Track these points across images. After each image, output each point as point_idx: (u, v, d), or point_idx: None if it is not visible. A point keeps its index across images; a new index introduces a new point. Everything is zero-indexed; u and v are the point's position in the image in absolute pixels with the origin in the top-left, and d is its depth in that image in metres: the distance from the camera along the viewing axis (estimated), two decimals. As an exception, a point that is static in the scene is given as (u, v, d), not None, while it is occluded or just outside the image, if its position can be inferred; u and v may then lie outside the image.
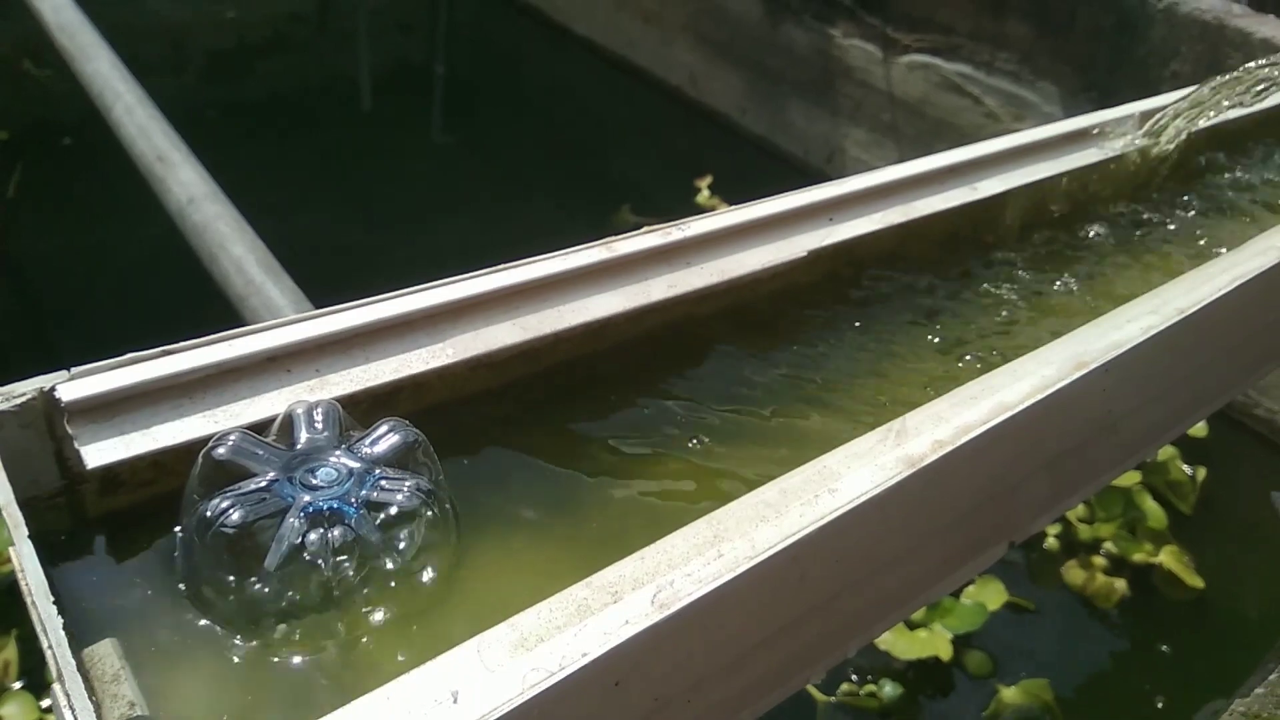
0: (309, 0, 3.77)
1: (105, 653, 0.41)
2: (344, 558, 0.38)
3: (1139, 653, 1.37)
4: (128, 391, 0.46)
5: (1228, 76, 0.94)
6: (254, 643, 0.39)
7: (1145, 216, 0.88)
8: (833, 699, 1.22)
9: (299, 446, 0.42)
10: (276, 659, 0.39)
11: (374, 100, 3.25)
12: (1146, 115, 0.94)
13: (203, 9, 3.34)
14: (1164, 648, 1.37)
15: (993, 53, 2.43)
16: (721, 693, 0.44)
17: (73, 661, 0.34)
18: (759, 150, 2.92)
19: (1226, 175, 0.98)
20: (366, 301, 0.53)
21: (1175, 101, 0.93)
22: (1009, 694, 1.23)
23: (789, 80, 2.86)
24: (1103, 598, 1.41)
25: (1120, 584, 1.43)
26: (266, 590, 0.38)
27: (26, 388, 0.45)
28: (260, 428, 0.46)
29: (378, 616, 0.40)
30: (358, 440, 0.44)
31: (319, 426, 0.43)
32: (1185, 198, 0.92)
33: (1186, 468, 1.60)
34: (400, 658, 0.39)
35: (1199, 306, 0.63)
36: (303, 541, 0.38)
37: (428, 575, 0.42)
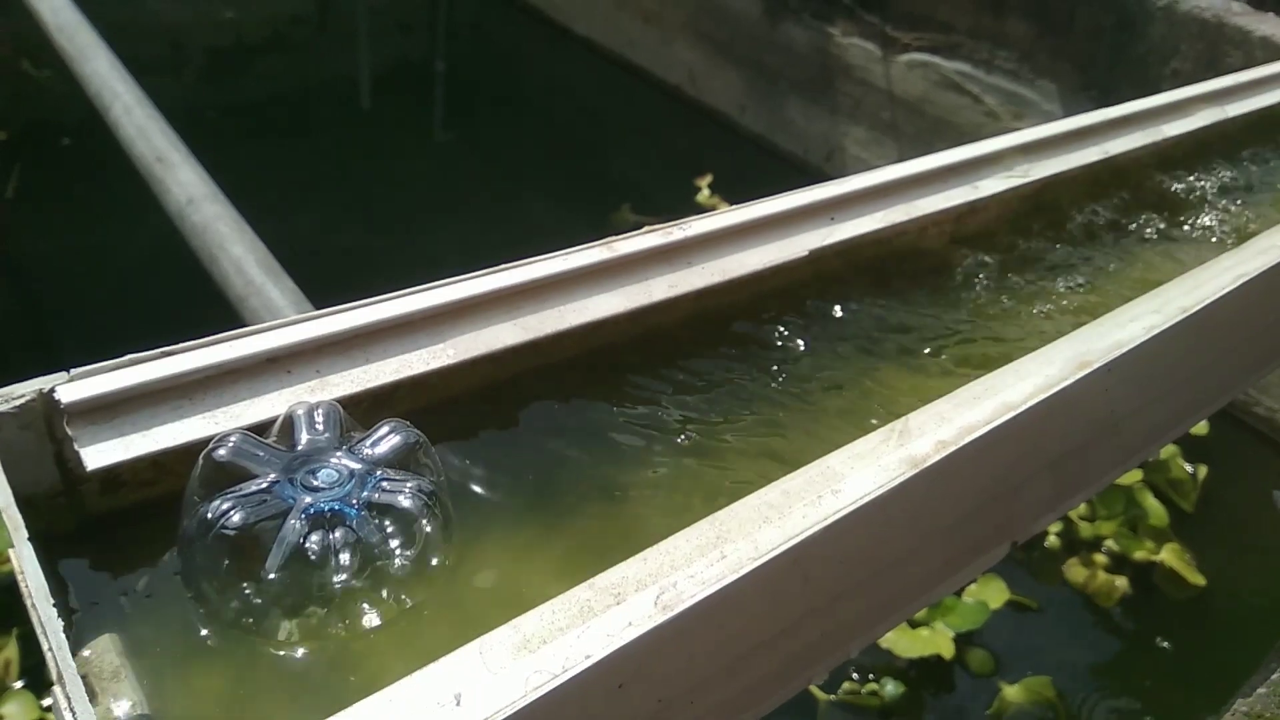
0: (308, 0, 3.77)
1: (105, 651, 0.40)
2: (345, 559, 0.38)
3: (1140, 650, 1.37)
4: (127, 393, 0.45)
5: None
6: (255, 643, 0.39)
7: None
8: (834, 697, 1.22)
9: (300, 448, 0.42)
10: (277, 660, 0.39)
11: (373, 100, 3.25)
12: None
13: (201, 9, 3.34)
14: (1165, 645, 1.37)
15: (992, 51, 2.43)
16: (724, 694, 0.44)
17: (73, 665, 0.34)
18: (758, 149, 2.92)
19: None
20: (367, 302, 0.53)
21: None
22: (1012, 692, 1.23)
23: (788, 79, 2.86)
24: (1104, 596, 1.42)
25: (1121, 582, 1.43)
26: (268, 591, 0.38)
27: (26, 389, 0.45)
28: (260, 429, 0.46)
29: (379, 618, 0.40)
30: (359, 441, 0.43)
31: (320, 428, 0.43)
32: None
33: (1188, 466, 1.60)
34: (402, 659, 0.39)
35: (1201, 306, 0.63)
36: (304, 543, 0.38)
37: (429, 576, 0.41)
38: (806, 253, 0.67)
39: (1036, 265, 0.78)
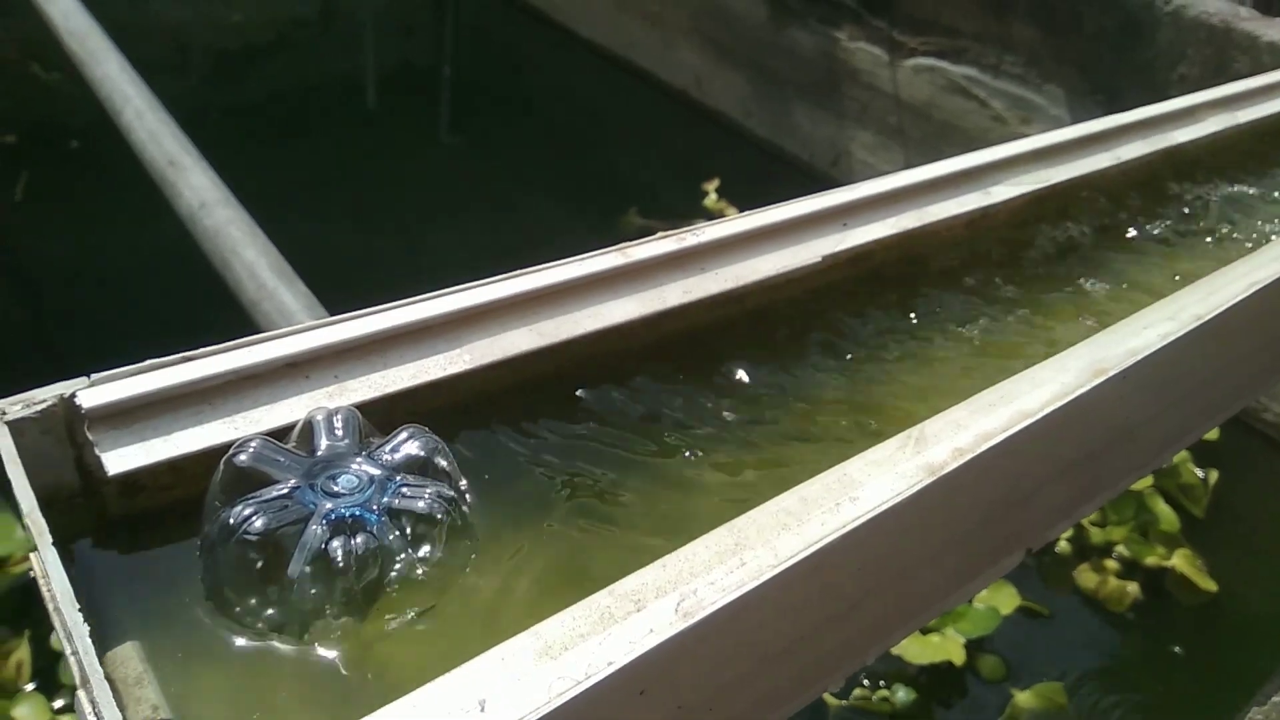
0: (312, 3, 3.78)
1: (127, 656, 0.41)
2: (366, 565, 0.38)
3: (1152, 656, 1.37)
4: (148, 398, 0.46)
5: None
6: (277, 647, 0.39)
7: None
8: (845, 703, 1.22)
9: (320, 453, 0.42)
10: (299, 664, 0.39)
11: (378, 102, 3.25)
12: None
13: (207, 11, 3.35)
14: (1177, 651, 1.36)
15: (999, 55, 2.43)
16: (743, 701, 0.44)
17: (100, 670, 0.34)
18: (764, 153, 2.92)
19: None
20: (384, 307, 0.53)
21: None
22: (1023, 698, 1.23)
23: (794, 83, 2.86)
24: (1115, 601, 1.41)
25: (1133, 587, 1.43)
26: (289, 596, 0.38)
27: (47, 394, 0.45)
28: (279, 434, 0.46)
29: (400, 623, 0.40)
30: (378, 447, 0.43)
31: (339, 433, 0.43)
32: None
33: (1198, 471, 1.60)
34: (423, 665, 0.39)
35: (1216, 313, 0.63)
36: (325, 548, 0.38)
37: (449, 582, 0.42)
38: (820, 258, 0.67)
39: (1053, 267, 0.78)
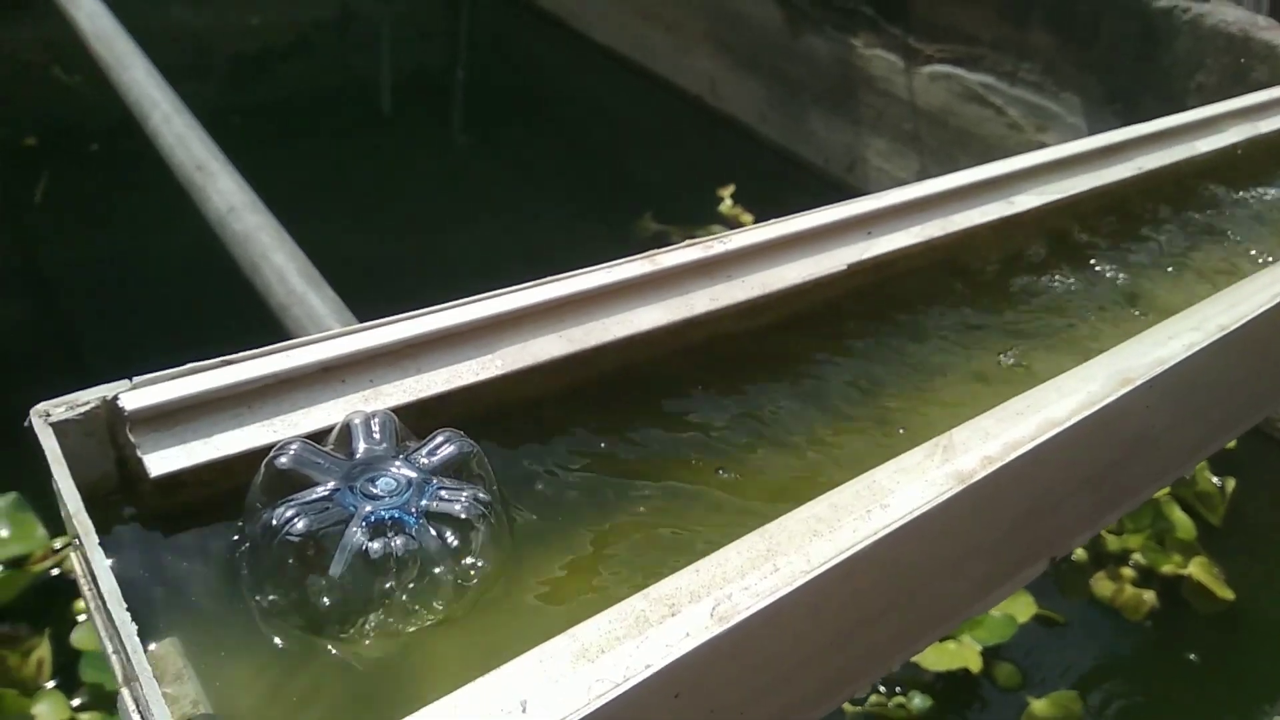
0: (330, 6, 3.81)
1: (168, 653, 0.41)
2: (406, 566, 0.39)
3: (1169, 665, 1.37)
4: (188, 401, 0.46)
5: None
6: (317, 647, 0.40)
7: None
8: (861, 709, 1.22)
9: (358, 456, 0.43)
10: (338, 663, 0.40)
11: (394, 105, 3.27)
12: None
13: (227, 15, 3.37)
14: (1194, 659, 1.36)
15: (1016, 63, 2.43)
16: (773, 705, 0.45)
17: (148, 668, 0.35)
18: (779, 159, 2.92)
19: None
20: (417, 313, 0.54)
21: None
22: (1039, 706, 1.23)
23: (810, 89, 2.86)
24: (1132, 609, 1.41)
25: (1149, 596, 1.42)
26: (330, 597, 0.39)
27: (90, 396, 0.46)
28: (316, 437, 0.46)
29: (437, 624, 0.41)
30: (414, 450, 0.44)
31: (377, 436, 0.44)
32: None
33: (1215, 479, 1.59)
34: (460, 665, 0.40)
35: (1240, 324, 0.63)
36: (366, 550, 0.39)
37: (484, 584, 0.42)
38: (845, 267, 0.67)
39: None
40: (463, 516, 0.41)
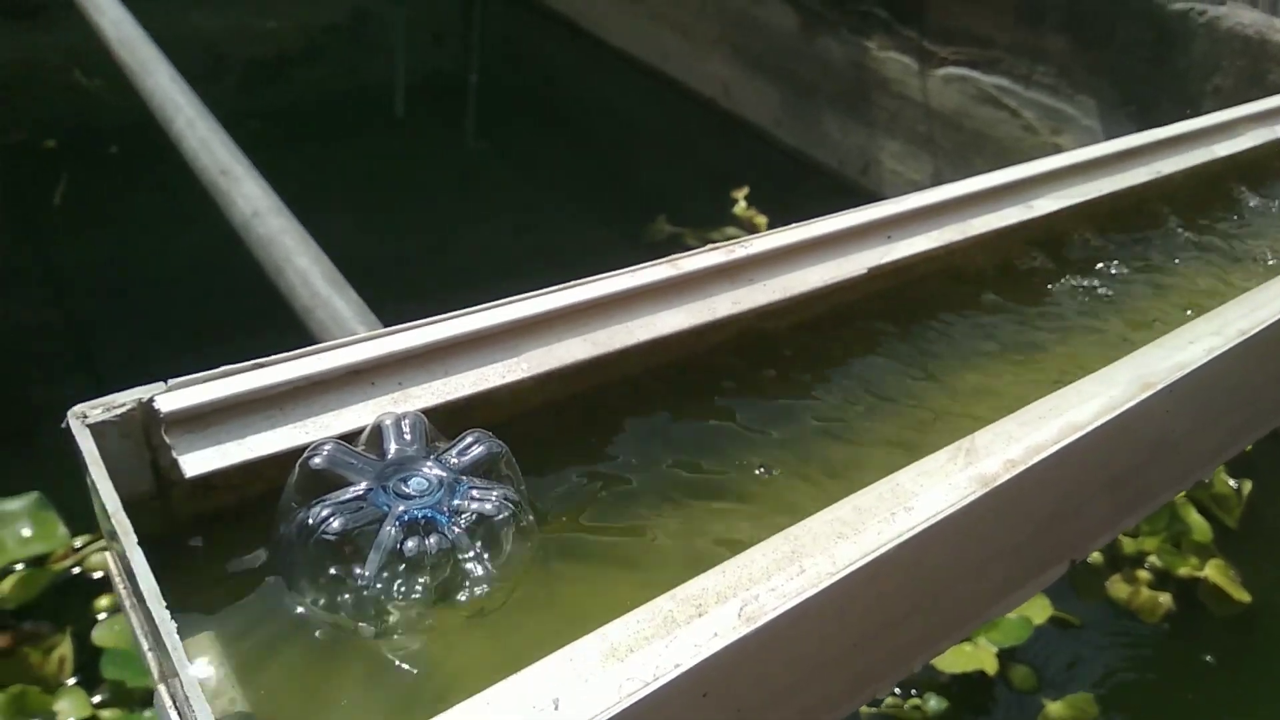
0: (344, 10, 3.83)
1: (204, 650, 0.42)
2: (439, 564, 0.40)
3: (1185, 668, 1.37)
4: (222, 403, 0.47)
5: None
6: (351, 643, 0.41)
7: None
8: (876, 711, 1.23)
9: (389, 456, 0.44)
10: (372, 661, 0.40)
11: (407, 108, 3.29)
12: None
13: (243, 20, 3.40)
14: (1210, 661, 1.36)
15: (1031, 65, 2.43)
16: (797, 705, 0.45)
17: (188, 664, 0.36)
18: (793, 162, 2.93)
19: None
20: (443, 317, 0.55)
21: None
22: (1054, 709, 1.23)
23: (824, 92, 2.87)
24: (1148, 612, 1.41)
25: (1165, 598, 1.42)
26: (364, 595, 0.39)
27: (126, 398, 0.47)
28: (346, 438, 0.47)
29: (469, 622, 0.41)
30: (444, 451, 0.45)
31: (408, 437, 0.45)
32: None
33: (1231, 481, 1.59)
34: (493, 663, 0.41)
35: (1261, 328, 0.63)
36: (400, 548, 0.39)
37: (513, 582, 0.43)
38: (865, 270, 0.68)
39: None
40: (494, 515, 0.42)
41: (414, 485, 0.42)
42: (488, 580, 0.41)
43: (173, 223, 2.21)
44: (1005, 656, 1.29)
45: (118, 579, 0.46)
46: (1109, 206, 0.85)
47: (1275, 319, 0.65)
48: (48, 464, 1.46)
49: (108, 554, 0.49)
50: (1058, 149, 0.84)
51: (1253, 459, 1.62)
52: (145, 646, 0.43)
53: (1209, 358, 0.59)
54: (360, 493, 0.41)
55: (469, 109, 3.39)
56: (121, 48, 1.33)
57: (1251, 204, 0.95)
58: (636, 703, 0.35)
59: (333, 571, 0.40)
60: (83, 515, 1.42)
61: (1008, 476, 0.47)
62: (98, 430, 0.46)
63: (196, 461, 0.46)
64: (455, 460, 0.44)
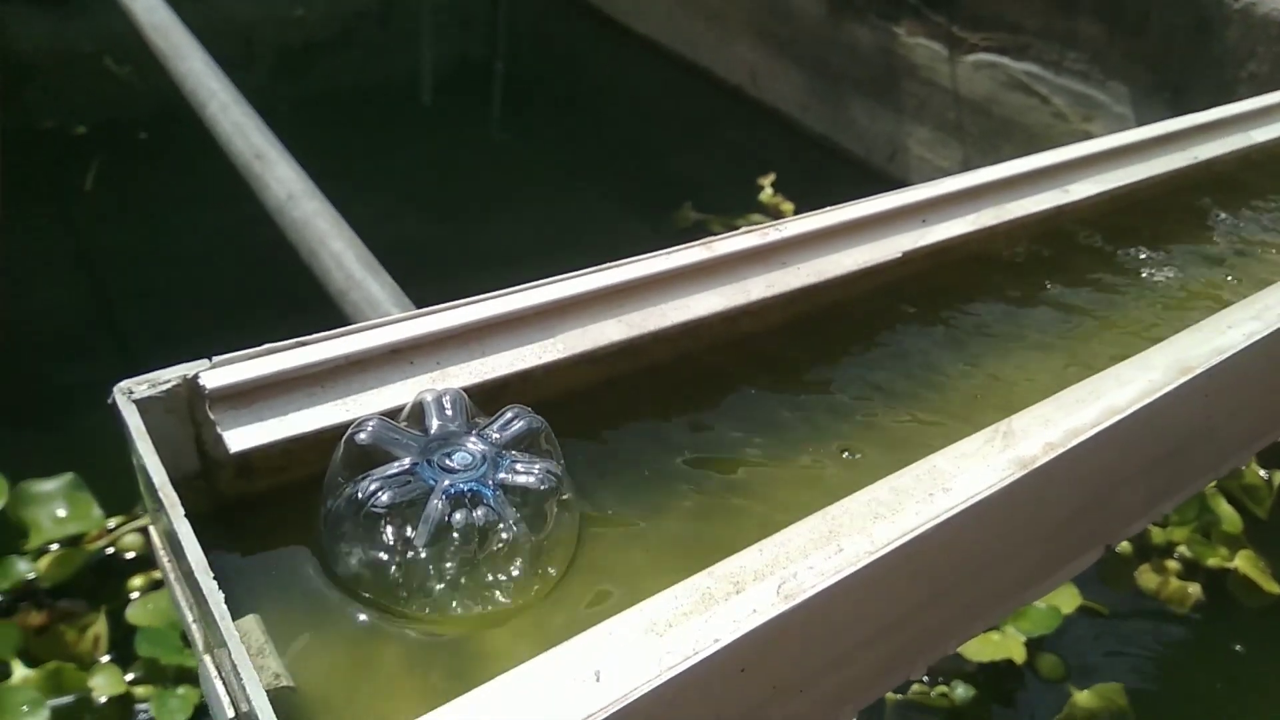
0: (374, -2, 3.83)
1: (249, 628, 0.43)
2: (486, 537, 0.40)
3: (1214, 658, 1.36)
4: (265, 380, 0.48)
5: None
6: (397, 618, 0.41)
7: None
8: (902, 698, 1.23)
9: (433, 432, 0.44)
10: (418, 635, 0.41)
11: (434, 95, 3.29)
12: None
13: (273, 7, 3.41)
14: (1240, 651, 1.35)
15: (1062, 52, 2.40)
16: (831, 683, 0.46)
17: (236, 633, 0.36)
18: (820, 149, 2.91)
19: None
20: (480, 298, 0.55)
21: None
22: (1082, 698, 1.22)
23: (851, 79, 2.85)
24: (1177, 602, 1.40)
25: (1194, 588, 1.41)
26: (414, 567, 0.40)
27: (171, 375, 0.47)
28: (388, 416, 0.48)
29: (514, 595, 0.42)
30: (485, 426, 0.45)
31: (449, 413, 0.45)
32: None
33: (1262, 471, 1.57)
34: (538, 636, 0.41)
35: (1301, 313, 0.62)
36: (449, 521, 0.40)
37: (557, 555, 0.43)
38: (900, 254, 0.68)
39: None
40: (538, 488, 0.42)
41: (458, 459, 0.43)
42: (533, 551, 0.42)
43: (203, 208, 2.23)
44: (1033, 645, 1.29)
45: (162, 552, 0.47)
46: (1147, 192, 0.84)
47: (1316, 305, 0.64)
48: (81, 445, 1.48)
49: (151, 529, 0.50)
50: (1088, 136, 0.83)
51: (1285, 449, 1.61)
52: (190, 619, 0.44)
53: (1248, 342, 0.59)
54: (406, 467, 0.42)
55: (496, 95, 3.40)
56: (155, 33, 1.35)
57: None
58: (675, 676, 0.36)
59: (382, 544, 0.40)
60: (116, 496, 1.44)
61: (1046, 459, 0.47)
62: (143, 406, 0.46)
63: (240, 437, 0.46)
64: (497, 435, 0.45)
